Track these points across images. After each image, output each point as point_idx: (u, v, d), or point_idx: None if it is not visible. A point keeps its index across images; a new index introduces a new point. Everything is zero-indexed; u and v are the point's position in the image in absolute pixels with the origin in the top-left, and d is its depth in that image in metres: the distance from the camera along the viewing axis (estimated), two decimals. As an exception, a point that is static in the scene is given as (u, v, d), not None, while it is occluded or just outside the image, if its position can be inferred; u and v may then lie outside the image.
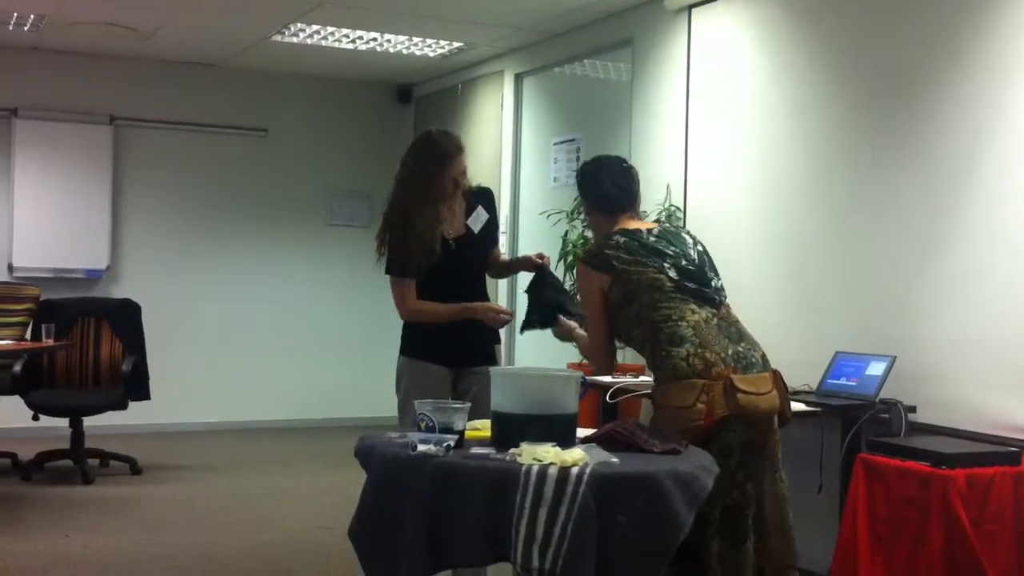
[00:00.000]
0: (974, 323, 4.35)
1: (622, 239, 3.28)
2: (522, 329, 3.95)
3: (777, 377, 3.23)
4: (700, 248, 3.36)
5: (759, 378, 3.14)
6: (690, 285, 3.19)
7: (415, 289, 3.95)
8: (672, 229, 3.43)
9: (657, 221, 3.48)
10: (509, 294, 7.43)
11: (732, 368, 3.09)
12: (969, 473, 3.76)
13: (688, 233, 3.44)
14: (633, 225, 3.38)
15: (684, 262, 3.23)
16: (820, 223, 5.13)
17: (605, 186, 3.45)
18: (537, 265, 3.96)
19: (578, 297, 3.54)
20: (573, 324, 3.69)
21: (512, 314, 3.99)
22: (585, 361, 6.00)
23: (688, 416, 3.04)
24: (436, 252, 3.89)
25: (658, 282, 3.17)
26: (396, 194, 3.98)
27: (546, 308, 3.83)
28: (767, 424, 3.18)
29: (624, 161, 3.58)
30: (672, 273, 3.19)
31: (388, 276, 3.99)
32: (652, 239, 3.29)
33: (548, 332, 3.88)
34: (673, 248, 3.26)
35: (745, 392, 3.07)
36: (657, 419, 3.17)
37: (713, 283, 3.27)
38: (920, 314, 4.59)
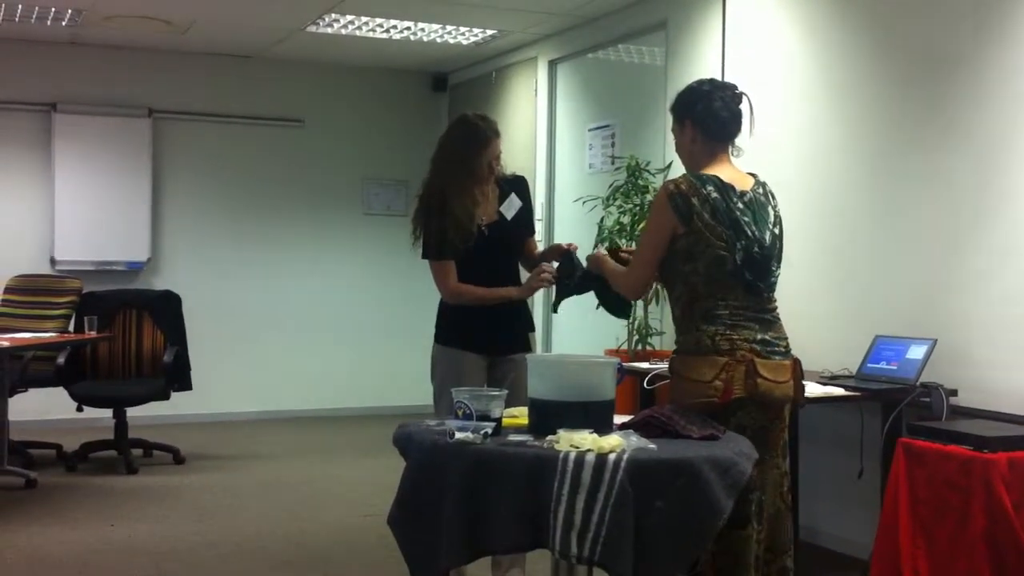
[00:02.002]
0: (1014, 306, 4.31)
1: (715, 194, 3.10)
2: (555, 306, 3.89)
3: (796, 366, 3.20)
4: (777, 231, 3.21)
5: (780, 366, 3.12)
6: (748, 276, 3.10)
7: (455, 270, 3.94)
8: (762, 199, 3.21)
9: (753, 176, 3.27)
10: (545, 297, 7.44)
11: (756, 353, 3.07)
12: (1011, 456, 3.72)
13: (775, 208, 3.25)
14: (729, 175, 3.18)
15: (756, 249, 3.11)
16: (859, 206, 5.09)
17: (716, 106, 3.21)
18: (564, 251, 3.91)
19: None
20: (601, 251, 3.56)
21: (553, 272, 3.88)
22: (623, 346, 6.05)
23: (704, 390, 3.03)
24: (472, 235, 3.89)
25: (722, 260, 3.08)
26: (432, 176, 3.99)
27: (578, 283, 3.77)
28: (777, 411, 3.16)
29: (737, 87, 3.32)
30: (739, 257, 3.08)
31: (426, 260, 3.99)
32: (740, 206, 3.12)
33: (583, 314, 3.83)
34: (753, 228, 3.11)
35: (764, 378, 3.06)
36: (673, 388, 3.16)
37: (771, 277, 3.17)
38: (960, 297, 4.55)
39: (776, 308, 3.20)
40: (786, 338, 3.19)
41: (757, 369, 3.04)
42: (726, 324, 3.08)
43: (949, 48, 4.64)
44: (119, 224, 8.52)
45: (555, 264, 3.93)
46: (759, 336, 3.10)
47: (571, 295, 3.81)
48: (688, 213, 3.08)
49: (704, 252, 3.09)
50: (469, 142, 3.93)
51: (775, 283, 3.21)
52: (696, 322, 3.11)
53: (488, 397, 2.77)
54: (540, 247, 4.40)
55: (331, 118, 9.27)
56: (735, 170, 3.24)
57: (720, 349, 3.05)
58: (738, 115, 3.27)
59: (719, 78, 5.75)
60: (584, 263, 3.76)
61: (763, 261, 3.14)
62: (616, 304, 3.72)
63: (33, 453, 6.85)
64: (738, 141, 3.32)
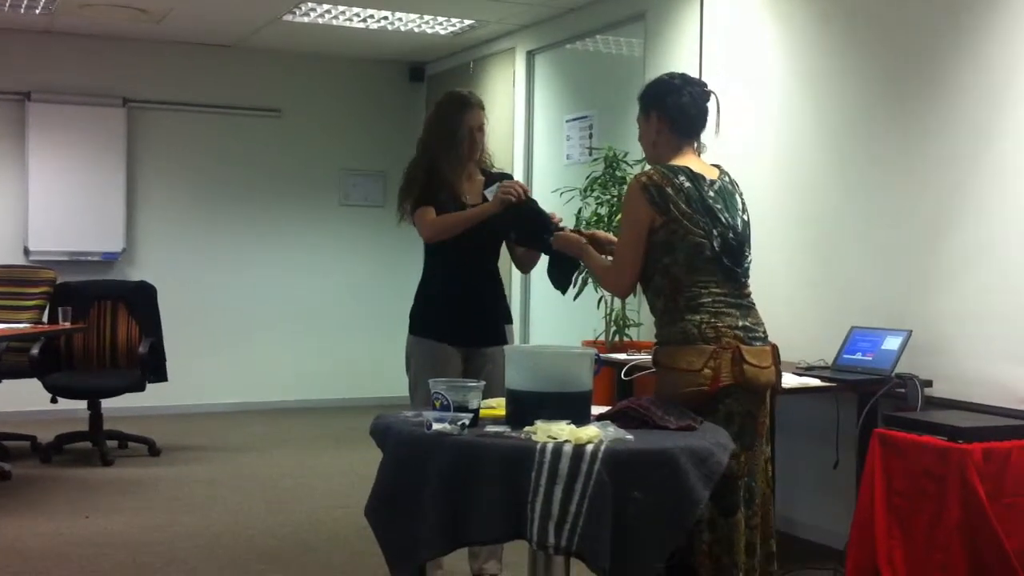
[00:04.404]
0: (989, 296, 4.34)
1: (687, 183, 3.12)
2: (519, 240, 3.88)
3: (775, 351, 3.23)
4: (746, 218, 3.24)
5: (762, 351, 3.15)
6: (726, 261, 3.12)
7: (435, 214, 3.93)
8: (729, 187, 3.24)
9: (717, 167, 3.28)
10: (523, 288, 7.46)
11: (740, 339, 3.09)
12: (986, 447, 3.74)
13: (740, 195, 3.28)
14: (697, 166, 3.20)
15: (731, 235, 3.13)
16: (834, 198, 5.11)
17: (684, 101, 3.23)
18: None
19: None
20: (581, 239, 3.45)
21: (525, 188, 3.83)
22: (600, 337, 6.05)
23: (694, 380, 3.04)
24: (458, 197, 3.92)
25: (700, 247, 3.09)
26: (419, 152, 4.06)
27: (532, 225, 3.73)
28: (763, 397, 3.19)
29: (707, 84, 3.34)
30: (716, 243, 3.10)
31: (412, 220, 4.00)
32: (712, 195, 3.14)
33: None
34: (726, 215, 3.14)
35: (750, 364, 3.08)
36: (660, 379, 3.17)
37: (745, 263, 3.20)
38: (935, 288, 4.57)
39: (751, 294, 3.23)
40: (763, 324, 3.22)
41: (743, 355, 3.06)
42: (710, 312, 3.09)
43: (926, 43, 4.66)
44: (94, 214, 8.46)
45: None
46: (740, 323, 3.12)
47: (533, 246, 3.83)
48: (664, 203, 3.10)
49: (683, 241, 3.10)
50: (452, 106, 4.01)
51: (749, 268, 3.24)
52: (680, 312, 3.11)
53: (465, 388, 2.76)
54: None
55: (308, 108, 9.23)
56: (701, 162, 3.27)
57: (707, 337, 3.06)
58: (705, 112, 3.29)
59: (695, 70, 5.80)
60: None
61: (738, 247, 3.17)
62: (563, 281, 3.66)
63: (7, 445, 6.81)
64: (704, 140, 3.32)
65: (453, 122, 3.97)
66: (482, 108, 4.05)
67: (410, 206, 3.98)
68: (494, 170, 4.15)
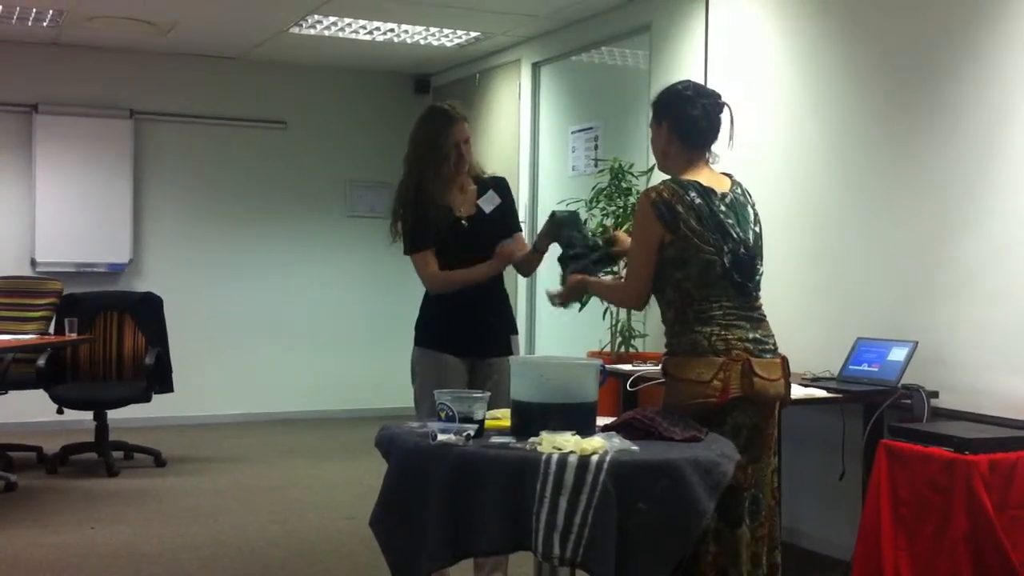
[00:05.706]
0: (995, 307, 4.33)
1: (698, 199, 3.11)
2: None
3: (784, 363, 3.22)
4: (758, 229, 3.24)
5: (771, 364, 3.14)
6: (736, 277, 3.12)
7: (435, 258, 3.93)
8: (741, 199, 3.23)
9: (728, 176, 3.27)
10: (528, 298, 7.47)
11: (750, 352, 3.09)
12: (992, 458, 3.74)
13: (753, 206, 3.27)
14: (707, 178, 3.19)
15: (742, 250, 3.13)
16: (840, 208, 5.11)
17: (696, 113, 3.20)
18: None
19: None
20: (579, 284, 3.44)
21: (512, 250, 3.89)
22: (606, 348, 6.05)
23: (703, 391, 3.04)
24: (450, 213, 3.90)
25: (711, 264, 3.09)
26: (405, 171, 4.02)
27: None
28: (771, 410, 3.18)
29: (720, 96, 3.28)
30: (727, 259, 3.10)
31: (409, 257, 3.99)
32: (723, 209, 3.14)
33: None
34: (737, 230, 3.13)
35: (760, 377, 3.07)
36: (669, 389, 3.17)
37: (756, 275, 3.20)
38: (941, 299, 4.57)
39: (762, 306, 3.22)
40: (773, 336, 3.21)
41: (753, 368, 3.06)
42: (720, 324, 3.09)
43: (932, 54, 4.66)
44: (100, 226, 8.48)
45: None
46: (750, 335, 3.12)
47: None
48: (673, 220, 3.09)
49: (694, 258, 3.10)
50: (435, 123, 3.95)
51: (760, 281, 3.23)
52: (690, 324, 3.12)
53: (470, 399, 2.76)
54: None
55: (314, 120, 9.26)
56: (712, 173, 3.26)
57: (717, 349, 3.07)
58: (717, 124, 3.26)
59: (702, 82, 5.79)
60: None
61: (749, 261, 3.17)
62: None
63: (13, 456, 6.81)
64: (718, 152, 3.32)
65: (438, 138, 3.91)
66: (466, 120, 3.98)
67: (409, 244, 3.96)
68: (486, 175, 4.12)
